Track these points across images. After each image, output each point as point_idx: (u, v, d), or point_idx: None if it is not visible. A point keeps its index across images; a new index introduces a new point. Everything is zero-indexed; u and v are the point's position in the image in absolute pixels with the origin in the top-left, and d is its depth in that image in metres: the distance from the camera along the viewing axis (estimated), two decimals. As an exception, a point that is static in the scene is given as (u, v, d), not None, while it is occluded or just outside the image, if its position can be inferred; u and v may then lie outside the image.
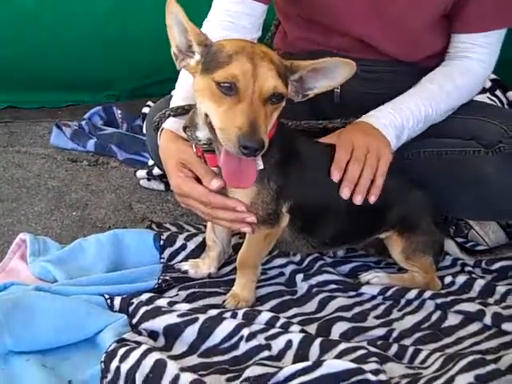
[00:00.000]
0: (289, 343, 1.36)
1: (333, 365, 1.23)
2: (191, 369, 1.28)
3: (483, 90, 2.41)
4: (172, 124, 1.50)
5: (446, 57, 1.77)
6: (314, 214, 1.53)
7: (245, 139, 1.16)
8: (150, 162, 2.27)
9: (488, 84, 2.44)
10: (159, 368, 1.24)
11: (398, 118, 1.60)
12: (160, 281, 1.59)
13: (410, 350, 1.37)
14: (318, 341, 1.36)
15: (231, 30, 1.65)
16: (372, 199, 1.49)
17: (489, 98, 2.38)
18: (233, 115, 1.19)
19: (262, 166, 1.35)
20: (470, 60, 1.71)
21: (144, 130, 2.32)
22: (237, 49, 1.25)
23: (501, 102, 2.41)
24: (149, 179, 2.24)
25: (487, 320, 1.48)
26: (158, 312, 1.44)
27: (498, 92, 2.44)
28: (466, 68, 1.72)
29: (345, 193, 1.48)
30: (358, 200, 1.48)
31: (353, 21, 1.71)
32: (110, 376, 1.27)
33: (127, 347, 1.30)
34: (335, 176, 1.48)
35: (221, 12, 1.68)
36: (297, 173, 1.44)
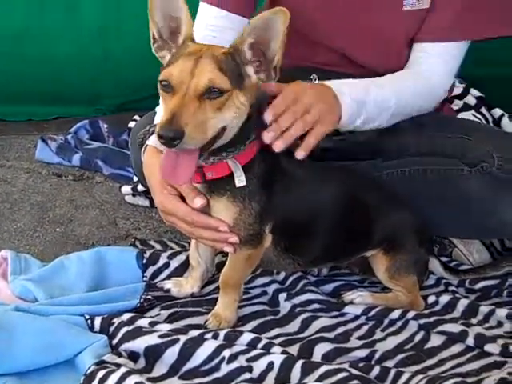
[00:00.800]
0: (270, 365, 1.35)
1: (313, 388, 1.23)
2: (171, 392, 1.27)
3: (468, 107, 2.44)
4: (156, 140, 1.49)
5: (406, 65, 1.77)
6: (298, 233, 1.52)
7: (160, 129, 1.16)
8: (135, 178, 2.26)
9: (473, 101, 2.47)
10: (138, 391, 1.23)
11: (357, 94, 1.54)
12: (142, 300, 1.58)
13: (392, 372, 1.36)
14: (299, 363, 1.35)
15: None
16: (300, 154, 1.39)
17: (473, 115, 2.40)
18: (164, 111, 1.21)
19: (244, 183, 1.34)
20: (426, 70, 1.71)
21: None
22: (191, 50, 1.26)
23: (486, 119, 2.42)
24: (134, 195, 2.22)
25: (470, 341, 1.48)
26: (138, 332, 1.42)
27: (483, 109, 2.45)
28: (423, 77, 1.71)
29: (267, 136, 1.35)
30: (277, 146, 1.36)
31: (333, 34, 1.73)
32: (88, 399, 1.26)
33: (106, 370, 1.29)
34: (267, 117, 1.36)
35: (204, 27, 1.68)
36: (280, 192, 1.43)
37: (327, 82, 1.53)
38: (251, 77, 1.29)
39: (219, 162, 1.34)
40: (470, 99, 2.47)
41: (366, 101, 1.55)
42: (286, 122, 1.37)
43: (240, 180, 1.34)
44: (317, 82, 1.81)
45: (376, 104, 1.58)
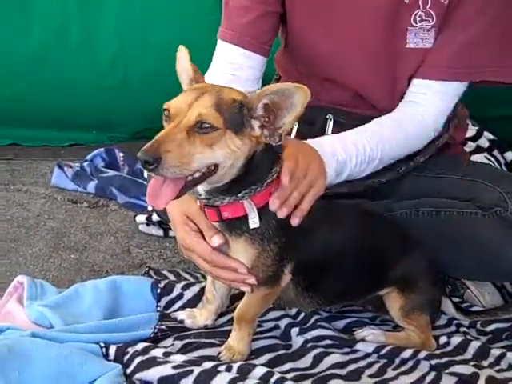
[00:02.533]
0: (282, 400, 1.36)
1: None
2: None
3: (481, 150, 2.46)
4: None
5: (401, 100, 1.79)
6: (318, 273, 1.53)
7: (140, 152, 1.17)
8: (150, 207, 2.28)
9: (486, 144, 2.49)
10: (152, 421, 1.24)
11: (343, 153, 1.57)
12: (156, 330, 1.59)
13: (404, 411, 1.37)
14: (312, 399, 1.36)
15: (235, 83, 1.68)
16: (295, 221, 1.39)
17: (486, 157, 2.42)
18: None
19: (257, 224, 1.35)
20: (420, 107, 1.73)
21: (145, 175, 2.35)
22: (198, 86, 1.30)
23: (498, 162, 2.45)
24: (148, 224, 2.24)
25: (481, 383, 1.47)
26: (153, 363, 1.44)
27: (495, 152, 2.48)
28: (415, 117, 1.73)
29: (274, 204, 1.36)
30: (282, 212, 1.35)
31: (347, 73, 1.77)
32: (102, 428, 1.27)
33: (121, 398, 1.30)
34: (284, 180, 1.36)
35: (223, 64, 1.73)
36: (299, 233, 1.43)
37: (313, 143, 1.54)
38: (254, 129, 1.28)
39: (235, 202, 1.35)
40: (483, 142, 2.50)
41: (347, 166, 1.58)
42: (290, 189, 1.38)
43: (254, 222, 1.35)
44: (332, 121, 1.85)
45: (360, 165, 1.62)
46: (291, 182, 1.37)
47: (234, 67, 1.71)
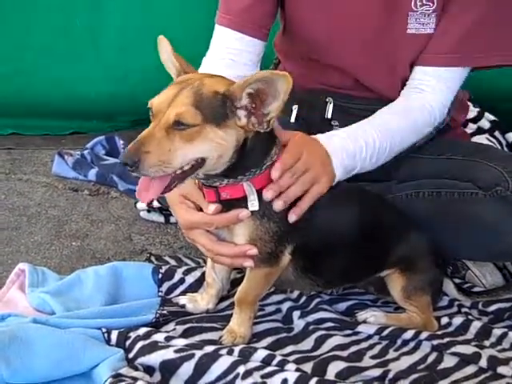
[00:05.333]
0: (284, 382, 1.36)
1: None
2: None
3: (482, 131, 2.45)
4: None
5: (404, 87, 1.78)
6: (318, 255, 1.53)
7: (122, 154, 1.21)
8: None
9: (487, 125, 2.48)
10: (154, 405, 1.24)
11: (353, 148, 1.56)
12: (158, 315, 1.60)
13: (406, 392, 1.38)
14: (313, 380, 1.36)
15: (233, 68, 1.69)
16: (292, 218, 1.40)
17: (487, 139, 2.41)
18: None
19: (257, 207, 1.36)
20: (427, 95, 1.73)
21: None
22: (182, 79, 1.30)
23: (500, 143, 2.43)
24: (149, 211, 2.24)
25: (483, 363, 1.48)
26: (154, 347, 1.44)
27: (496, 133, 2.46)
28: (423, 105, 1.72)
29: (267, 194, 1.37)
30: (278, 205, 1.37)
31: (345, 58, 1.75)
32: (105, 412, 1.28)
33: (123, 383, 1.31)
34: (274, 174, 1.37)
35: (221, 49, 1.72)
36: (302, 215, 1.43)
37: (323, 139, 1.54)
38: (241, 119, 1.28)
39: (234, 183, 1.36)
40: (484, 123, 2.48)
41: (357, 161, 1.57)
42: (286, 182, 1.39)
43: (253, 205, 1.36)
44: (331, 105, 1.84)
45: (370, 159, 1.61)
46: (288, 174, 1.39)
47: (232, 52, 1.70)
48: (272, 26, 1.78)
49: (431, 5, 1.65)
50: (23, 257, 1.96)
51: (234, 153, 1.30)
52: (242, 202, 1.37)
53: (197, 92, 1.24)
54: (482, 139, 2.37)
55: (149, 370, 1.41)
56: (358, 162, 1.58)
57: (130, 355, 1.44)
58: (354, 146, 1.56)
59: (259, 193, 1.37)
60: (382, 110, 1.70)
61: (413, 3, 1.66)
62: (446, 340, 1.56)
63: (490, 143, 2.37)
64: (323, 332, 1.58)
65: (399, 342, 1.58)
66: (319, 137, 1.55)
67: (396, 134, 1.66)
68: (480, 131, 2.47)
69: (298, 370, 1.41)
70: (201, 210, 1.43)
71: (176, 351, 1.42)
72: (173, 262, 1.88)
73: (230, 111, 1.26)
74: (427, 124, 1.75)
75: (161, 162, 1.21)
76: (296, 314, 1.65)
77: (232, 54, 1.70)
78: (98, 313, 1.57)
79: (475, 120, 2.51)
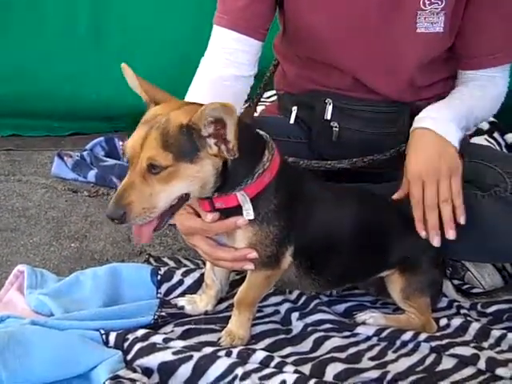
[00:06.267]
0: (283, 384, 1.36)
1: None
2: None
3: (481, 132, 2.45)
4: None
5: (457, 82, 1.80)
6: (320, 256, 1.53)
7: (107, 210, 1.23)
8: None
9: (486, 126, 2.47)
10: (152, 407, 1.24)
11: (453, 112, 1.63)
12: (156, 316, 1.60)
13: (404, 393, 1.37)
14: (311, 382, 1.36)
15: (231, 68, 1.70)
16: (462, 220, 1.52)
17: (486, 139, 2.41)
18: None
19: (252, 216, 1.36)
20: (485, 82, 1.75)
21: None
22: (147, 117, 1.29)
23: (498, 144, 2.43)
24: (148, 212, 2.24)
25: (481, 364, 1.48)
26: (153, 349, 1.44)
27: (495, 134, 2.46)
28: (482, 85, 1.75)
29: (436, 241, 1.51)
30: (451, 235, 1.50)
31: (345, 58, 1.75)
32: (103, 413, 1.28)
33: (121, 384, 1.30)
34: (421, 231, 1.52)
35: (218, 50, 1.72)
36: (301, 217, 1.44)
37: (422, 127, 1.60)
38: (212, 148, 1.26)
39: (227, 194, 1.35)
40: (483, 124, 2.48)
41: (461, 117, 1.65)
42: (434, 219, 1.51)
43: (248, 213, 1.36)
44: (331, 106, 1.83)
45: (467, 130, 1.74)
46: (428, 208, 1.51)
47: (229, 52, 1.70)
48: (270, 26, 1.77)
49: (439, 3, 1.64)
50: (22, 258, 1.96)
51: (216, 178, 1.30)
52: (239, 209, 1.36)
53: (163, 131, 1.23)
54: (480, 140, 2.37)
55: (147, 371, 1.41)
56: (463, 121, 1.65)
57: (129, 357, 1.44)
58: (455, 112, 1.64)
59: (254, 200, 1.36)
60: (459, 90, 1.76)
61: (421, 2, 1.63)
62: (444, 341, 1.55)
63: (489, 144, 2.37)
64: (322, 333, 1.58)
65: (398, 343, 1.58)
66: (423, 124, 1.60)
67: (478, 106, 1.74)
68: (479, 132, 2.46)
69: (296, 371, 1.41)
70: (198, 216, 1.43)
71: (174, 353, 1.42)
72: (172, 264, 1.88)
73: (199, 142, 1.25)
74: (492, 103, 1.81)
75: (145, 210, 1.23)
76: (294, 315, 1.65)
77: (229, 54, 1.70)
78: (96, 314, 1.57)
79: (474, 121, 2.50)
